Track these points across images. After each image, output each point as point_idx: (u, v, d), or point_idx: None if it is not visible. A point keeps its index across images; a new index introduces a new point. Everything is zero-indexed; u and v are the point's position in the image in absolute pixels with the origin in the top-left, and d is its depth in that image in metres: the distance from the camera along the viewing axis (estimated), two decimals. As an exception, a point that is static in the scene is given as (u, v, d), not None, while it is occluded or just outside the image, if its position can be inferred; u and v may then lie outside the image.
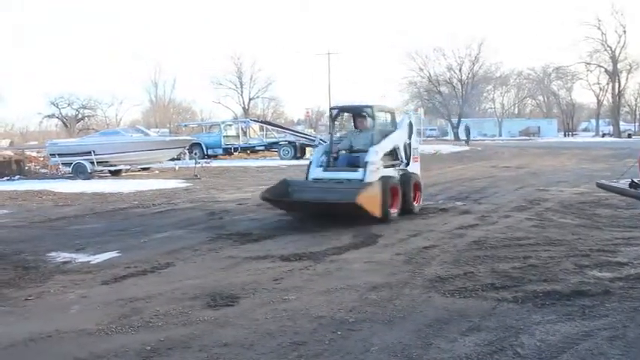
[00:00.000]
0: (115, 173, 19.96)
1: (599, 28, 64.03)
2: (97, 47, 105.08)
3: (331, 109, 10.99)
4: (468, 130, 47.11)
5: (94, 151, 18.92)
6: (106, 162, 19.38)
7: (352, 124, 10.32)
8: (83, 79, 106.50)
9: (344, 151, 9.69)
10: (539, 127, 73.20)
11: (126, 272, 5.93)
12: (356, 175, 9.01)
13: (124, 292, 5.22)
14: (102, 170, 19.60)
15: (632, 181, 5.46)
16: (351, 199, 8.13)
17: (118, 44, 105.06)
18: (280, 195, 9.26)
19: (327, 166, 9.45)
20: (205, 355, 3.72)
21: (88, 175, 18.53)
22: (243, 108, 69.49)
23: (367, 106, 10.07)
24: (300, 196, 9.14)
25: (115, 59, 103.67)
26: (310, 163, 9.65)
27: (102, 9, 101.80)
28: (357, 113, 10.05)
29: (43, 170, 21.87)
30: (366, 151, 9.14)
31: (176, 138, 24.61)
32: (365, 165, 8.96)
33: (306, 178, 9.51)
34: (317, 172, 9.41)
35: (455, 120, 63.80)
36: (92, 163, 18.82)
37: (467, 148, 38.17)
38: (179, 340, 3.99)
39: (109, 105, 65.80)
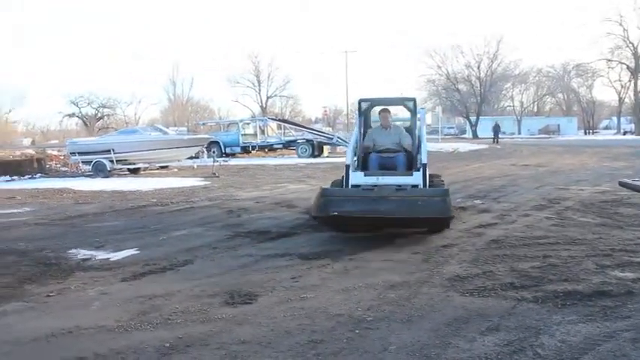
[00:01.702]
0: (134, 171, 20.14)
1: (620, 24, 63.20)
2: (118, 46, 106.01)
3: (360, 101, 9.00)
4: (497, 129, 45.42)
5: (113, 150, 19.12)
6: (125, 160, 19.55)
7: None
8: (103, 79, 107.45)
9: (372, 152, 8.29)
10: (558, 125, 72.44)
11: (145, 270, 5.97)
12: (411, 180, 7.64)
13: (143, 289, 5.26)
14: (121, 168, 19.79)
15: (656, 179, 5.36)
16: (442, 213, 6.79)
17: (137, 43, 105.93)
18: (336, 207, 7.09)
19: (362, 169, 8.12)
20: (223, 353, 3.73)
21: (108, 174, 18.73)
22: (261, 106, 69.77)
23: (409, 99, 8.95)
24: (359, 209, 7.01)
25: (135, 58, 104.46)
26: (347, 166, 7.86)
27: (121, 8, 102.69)
28: (391, 106, 8.85)
29: (64, 168, 22.12)
30: (396, 151, 8.20)
31: (194, 136, 24.76)
32: (423, 168, 7.66)
33: (345, 183, 7.77)
34: (357, 178, 7.78)
35: (473, 118, 63.40)
36: (111, 161, 19.01)
37: (497, 146, 37.68)
38: (197, 337, 4.01)
39: (128, 104, 66.56)
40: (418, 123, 8.54)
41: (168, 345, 3.87)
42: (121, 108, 66.36)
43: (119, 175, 19.38)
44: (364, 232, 7.48)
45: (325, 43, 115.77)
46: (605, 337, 3.84)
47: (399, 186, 7.48)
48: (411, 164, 8.10)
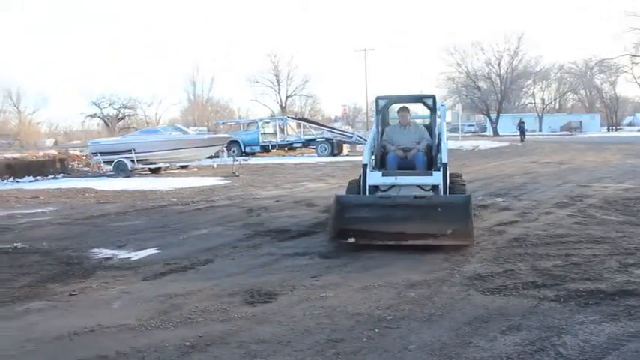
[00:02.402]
0: (155, 171, 20.31)
1: (644, 19, 62.16)
2: (139, 47, 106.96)
3: (378, 98, 8.56)
4: (522, 126, 43.78)
5: (134, 150, 19.30)
6: (146, 160, 19.74)
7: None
8: (124, 79, 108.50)
9: (391, 152, 8.08)
10: (581, 122, 71.51)
11: (165, 269, 6.01)
12: (431, 180, 7.45)
13: (164, 288, 5.29)
14: (142, 168, 19.97)
15: (680, 176, 5.27)
16: (464, 235, 6.40)
17: (158, 44, 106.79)
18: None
19: (381, 168, 7.93)
20: (243, 351, 3.74)
21: (129, 173, 18.92)
22: (281, 105, 69.85)
23: (428, 96, 8.60)
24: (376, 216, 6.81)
25: (155, 59, 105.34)
26: (364, 166, 7.59)
27: (142, 9, 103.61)
28: (411, 103, 8.67)
29: (86, 169, 22.40)
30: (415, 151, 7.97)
31: (214, 136, 24.88)
32: (443, 167, 7.42)
33: (362, 183, 7.53)
34: (375, 178, 7.56)
35: (493, 115, 62.85)
36: (132, 161, 19.20)
37: (519, 144, 37.24)
38: (217, 335, 4.02)
39: (148, 104, 66.98)
40: (438, 120, 8.40)
41: (188, 344, 3.89)
42: (141, 108, 66.87)
43: (140, 175, 19.56)
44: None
45: (344, 42, 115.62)
46: (629, 337, 3.78)
47: (419, 186, 7.44)
48: (431, 163, 7.98)
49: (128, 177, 18.60)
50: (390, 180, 7.55)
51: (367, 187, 7.49)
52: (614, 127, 72.83)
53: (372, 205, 6.97)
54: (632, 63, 66.07)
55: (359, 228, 6.68)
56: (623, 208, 9.07)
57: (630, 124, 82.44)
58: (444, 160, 7.52)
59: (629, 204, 9.51)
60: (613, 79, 72.55)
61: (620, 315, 4.20)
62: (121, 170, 19.09)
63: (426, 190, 7.58)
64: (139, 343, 3.91)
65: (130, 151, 19.38)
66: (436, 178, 7.42)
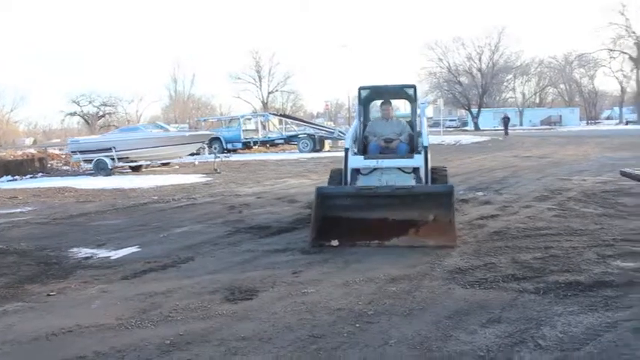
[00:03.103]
0: (136, 169, 20.19)
1: (622, 14, 63.09)
2: (118, 44, 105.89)
3: (360, 88, 8.58)
4: (507, 120, 43.89)
5: (114, 148, 19.17)
6: (127, 158, 19.61)
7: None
8: (104, 77, 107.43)
9: (373, 142, 8.16)
10: (560, 116, 72.27)
11: (146, 267, 5.96)
12: (412, 162, 7.54)
13: (144, 286, 5.25)
14: (122, 166, 19.84)
15: (657, 168, 5.34)
16: (445, 211, 6.40)
17: (138, 41, 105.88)
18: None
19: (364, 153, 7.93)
20: (224, 349, 3.72)
21: (109, 172, 18.78)
22: (263, 102, 69.75)
23: (409, 86, 8.59)
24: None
25: (135, 56, 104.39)
26: (346, 150, 7.74)
27: (121, 5, 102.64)
28: (392, 95, 8.68)
29: (65, 167, 22.19)
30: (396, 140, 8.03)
31: (195, 133, 24.78)
32: (424, 150, 7.48)
33: (345, 167, 7.63)
34: (357, 161, 7.68)
35: (475, 110, 63.24)
36: (113, 159, 19.08)
37: (500, 138, 37.40)
38: (198, 333, 4.00)
39: (129, 102, 66.59)
40: (418, 111, 8.50)
41: (168, 342, 3.85)
42: (122, 106, 66.44)
43: (120, 173, 19.41)
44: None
45: (326, 37, 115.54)
46: (606, 328, 3.82)
47: (400, 169, 7.55)
48: (412, 148, 8.06)
49: (108, 175, 18.45)
50: (371, 162, 7.62)
51: (349, 171, 7.54)
52: (593, 121, 73.66)
53: (354, 196, 6.96)
54: (611, 57, 67.16)
55: (340, 215, 6.69)
56: (602, 201, 9.17)
57: (609, 118, 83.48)
58: (425, 143, 7.58)
59: (607, 196, 9.61)
60: (592, 74, 73.63)
61: (598, 306, 4.24)
62: (101, 169, 18.94)
63: (407, 173, 7.67)
64: (118, 343, 3.87)
65: (110, 149, 19.25)
66: (417, 160, 7.52)
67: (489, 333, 3.81)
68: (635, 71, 66.47)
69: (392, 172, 7.67)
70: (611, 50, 66.41)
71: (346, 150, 7.74)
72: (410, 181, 7.62)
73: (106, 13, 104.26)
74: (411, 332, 3.87)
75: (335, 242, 6.52)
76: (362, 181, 7.72)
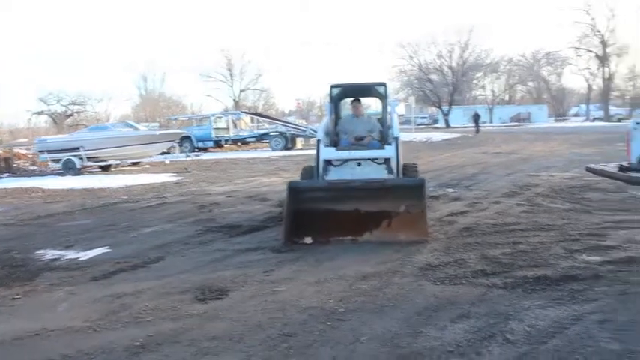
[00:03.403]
0: (105, 169, 19.92)
1: (587, 13, 64.26)
2: (87, 42, 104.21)
3: (332, 86, 8.65)
4: (477, 117, 42.76)
5: (83, 147, 18.90)
6: (96, 157, 19.35)
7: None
8: (72, 76, 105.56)
9: (345, 139, 8.15)
10: (529, 113, 73.30)
11: (115, 268, 5.88)
12: (383, 153, 7.59)
13: (113, 287, 5.18)
14: (91, 166, 19.56)
15: (621, 165, 5.45)
16: (418, 203, 6.46)
17: (107, 38, 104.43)
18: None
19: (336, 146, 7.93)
20: (194, 349, 3.70)
21: (78, 171, 18.49)
22: (234, 100, 69.28)
23: (379, 83, 8.69)
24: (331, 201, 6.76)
25: (105, 54, 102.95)
26: (318, 141, 7.80)
27: (89, 2, 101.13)
28: (363, 93, 8.78)
29: (33, 167, 21.75)
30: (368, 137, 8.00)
31: (166, 132, 24.51)
32: (395, 141, 7.54)
33: (317, 159, 7.66)
34: (329, 153, 7.71)
35: (445, 108, 63.78)
36: (81, 159, 18.80)
37: (470, 135, 37.65)
38: (168, 334, 3.96)
39: (98, 100, 65.41)
40: (389, 108, 8.57)
41: (138, 343, 3.81)
42: (91, 105, 65.15)
43: (90, 173, 19.13)
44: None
45: (298, 35, 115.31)
46: (572, 320, 3.89)
47: (371, 160, 7.60)
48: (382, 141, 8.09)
49: (77, 175, 18.16)
50: (343, 154, 7.66)
51: (321, 162, 7.57)
52: (560, 118, 74.92)
53: (326, 189, 6.98)
54: (577, 55, 68.34)
55: (312, 210, 6.67)
56: (569, 196, 9.33)
57: (576, 115, 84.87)
58: (396, 134, 7.64)
59: (574, 192, 9.78)
60: (559, 71, 74.88)
61: (565, 299, 4.32)
62: (69, 168, 18.64)
63: (379, 164, 7.71)
64: (86, 346, 3.81)
65: (79, 148, 18.96)
66: (389, 151, 7.58)
67: (459, 328, 3.85)
68: (600, 69, 67.81)
69: (365, 166, 7.70)
70: (577, 49, 67.62)
71: (318, 142, 7.79)
72: (382, 174, 7.64)
73: (76, 11, 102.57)
74: (381, 329, 3.89)
75: (308, 240, 6.53)
76: (335, 175, 7.72)
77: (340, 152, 7.74)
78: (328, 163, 7.75)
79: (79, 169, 18.64)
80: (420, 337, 3.73)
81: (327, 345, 3.67)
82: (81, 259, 6.45)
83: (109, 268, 5.87)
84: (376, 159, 7.76)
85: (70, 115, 62.70)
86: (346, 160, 7.78)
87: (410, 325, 3.94)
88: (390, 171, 7.66)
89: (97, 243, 7.23)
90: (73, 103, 63.19)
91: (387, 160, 7.69)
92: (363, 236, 6.51)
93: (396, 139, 7.60)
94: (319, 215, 6.67)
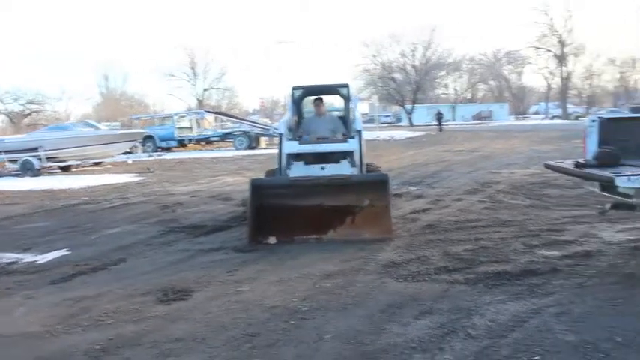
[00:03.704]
0: (65, 169, 19.52)
1: (546, 14, 65.73)
2: (46, 39, 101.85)
3: (293, 88, 8.65)
4: (440, 116, 42.56)
5: (42, 147, 18.48)
6: (56, 158, 18.93)
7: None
8: (30, 74, 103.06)
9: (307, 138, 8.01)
10: (491, 111, 74.49)
11: (75, 270, 5.77)
12: (346, 146, 7.55)
13: (73, 291, 5.08)
14: (51, 167, 19.12)
15: (577, 161, 5.57)
16: (381, 198, 6.53)
17: (67, 35, 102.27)
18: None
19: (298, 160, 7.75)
20: (157, 351, 3.65)
21: (37, 172, 18.04)
22: (197, 99, 68.61)
23: (342, 85, 8.71)
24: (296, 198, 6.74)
25: (64, 52, 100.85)
26: (280, 136, 7.74)
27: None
28: (326, 94, 8.70)
29: (-12, 169, 21.16)
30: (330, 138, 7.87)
31: (128, 131, 24.16)
32: (358, 135, 7.54)
33: (279, 152, 7.61)
34: (293, 146, 7.63)
35: (409, 106, 64.32)
36: (40, 159, 18.35)
37: (432, 133, 37.93)
38: (129, 337, 3.91)
39: (57, 99, 64.22)
40: (352, 107, 8.53)
41: (98, 347, 3.75)
42: (50, 104, 63.89)
43: (49, 174, 18.68)
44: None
45: (261, 34, 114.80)
46: (531, 314, 3.97)
47: (333, 153, 7.55)
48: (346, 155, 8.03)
49: (36, 176, 17.73)
50: (306, 147, 7.63)
51: (284, 156, 7.50)
52: (521, 116, 76.36)
53: (288, 186, 6.91)
54: (537, 55, 69.81)
55: (275, 207, 6.62)
56: (529, 193, 9.52)
57: (536, 113, 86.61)
58: (358, 127, 7.65)
59: (534, 188, 9.98)
60: (520, 70, 76.36)
61: (524, 293, 4.41)
62: (27, 169, 18.17)
63: (343, 159, 7.63)
64: (44, 351, 3.74)
65: (38, 148, 18.52)
66: (352, 144, 7.55)
67: (422, 324, 3.89)
68: (559, 68, 69.37)
69: (329, 169, 7.54)
70: (536, 48, 69.10)
71: (280, 136, 7.72)
72: (346, 170, 7.59)
73: (34, 7, 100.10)
74: (345, 327, 3.90)
75: (272, 240, 6.51)
76: (298, 172, 7.60)
77: (303, 146, 7.69)
78: (293, 158, 7.65)
79: (38, 169, 18.19)
80: (383, 334, 3.76)
81: (291, 344, 3.67)
82: (39, 262, 6.30)
83: (68, 271, 5.75)
84: (340, 161, 7.70)
85: (28, 115, 61.32)
86: (309, 163, 7.70)
87: (373, 323, 3.96)
88: (353, 164, 7.66)
89: (56, 245, 7.08)
90: (31, 102, 61.80)
91: (349, 154, 7.66)
92: (328, 235, 6.53)
93: (359, 132, 7.60)
94: (283, 212, 6.62)
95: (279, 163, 7.61)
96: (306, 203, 6.65)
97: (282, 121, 8.25)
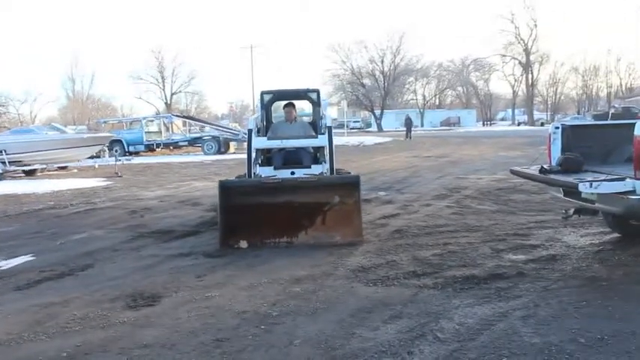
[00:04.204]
0: (30, 173, 19.11)
1: (512, 22, 67.06)
2: (8, 38, 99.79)
3: (263, 93, 8.64)
4: (409, 122, 40.47)
5: (5, 151, 18.08)
6: (19, 162, 18.53)
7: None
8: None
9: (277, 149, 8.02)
10: (459, 118, 75.61)
11: (40, 276, 5.66)
12: (316, 142, 7.67)
13: (39, 297, 4.98)
14: (15, 170, 18.71)
15: (542, 167, 5.70)
16: (352, 198, 6.55)
17: (30, 35, 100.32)
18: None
19: (267, 164, 7.86)
20: (125, 358, 3.61)
21: (0, 176, 17.65)
22: (166, 103, 68.07)
23: (312, 90, 8.71)
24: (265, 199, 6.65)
25: (28, 53, 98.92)
26: (249, 131, 7.64)
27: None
28: (295, 99, 8.67)
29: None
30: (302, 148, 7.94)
31: (95, 135, 23.77)
32: (328, 130, 7.50)
33: (248, 147, 7.55)
34: (261, 142, 7.71)
35: (378, 112, 64.76)
36: (3, 163, 17.96)
37: (401, 139, 38.12)
38: (97, 344, 3.85)
39: (21, 102, 62.93)
40: (322, 112, 8.55)
41: (65, 354, 3.69)
42: (14, 106, 62.57)
43: (13, 178, 18.30)
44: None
45: (230, 38, 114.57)
46: (498, 317, 4.04)
47: (302, 157, 7.76)
48: (316, 158, 8.09)
49: (-1, 180, 17.37)
50: (275, 143, 7.66)
51: (253, 152, 7.46)
52: (488, 122, 77.57)
53: (257, 187, 6.84)
54: (503, 62, 71.12)
55: (245, 209, 6.53)
56: (496, 198, 9.69)
57: (503, 119, 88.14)
58: (328, 123, 7.68)
59: (500, 194, 10.16)
60: (487, 77, 77.65)
61: (492, 297, 4.49)
62: (-10, 173, 17.79)
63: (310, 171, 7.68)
64: (9, 359, 3.66)
65: (1, 152, 18.12)
66: (321, 140, 7.60)
67: (391, 329, 3.93)
68: (524, 76, 70.72)
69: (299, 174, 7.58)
70: (503, 56, 70.41)
71: (249, 131, 7.63)
72: (317, 170, 7.63)
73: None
74: (315, 332, 3.91)
75: (244, 244, 6.49)
76: (267, 172, 7.62)
77: (271, 141, 7.70)
78: (262, 163, 7.67)
79: (1, 173, 17.81)
80: (353, 338, 3.79)
81: (261, 349, 3.67)
82: (2, 268, 6.16)
83: (33, 277, 5.64)
84: (311, 166, 7.78)
85: (-10, 117, 59.92)
86: (279, 168, 7.73)
87: (343, 327, 3.98)
88: (323, 159, 7.70)
89: (20, 251, 6.94)
90: (-6, 104, 60.44)
91: (319, 149, 7.76)
92: (299, 237, 6.54)
93: (329, 128, 7.60)
94: (253, 215, 6.54)
95: (248, 160, 7.50)
96: (276, 203, 6.60)
97: (252, 118, 8.20)
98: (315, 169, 7.69)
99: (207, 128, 32.14)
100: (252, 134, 7.58)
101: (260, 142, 7.68)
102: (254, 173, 7.40)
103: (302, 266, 5.61)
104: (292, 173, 7.56)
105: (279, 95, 8.76)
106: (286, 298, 4.67)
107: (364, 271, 5.39)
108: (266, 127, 8.50)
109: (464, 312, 4.19)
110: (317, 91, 8.73)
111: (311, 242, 6.48)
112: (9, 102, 61.30)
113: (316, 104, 8.69)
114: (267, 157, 8.14)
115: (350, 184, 6.71)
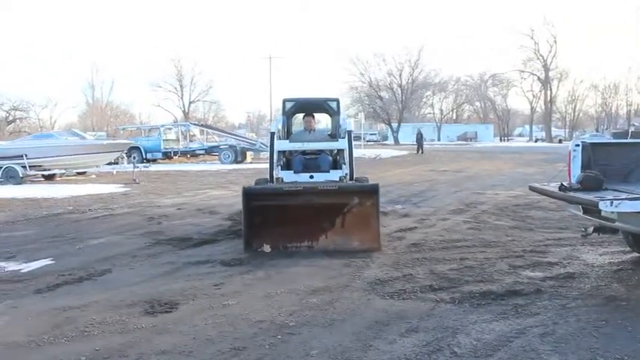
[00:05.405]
0: (49, 178, 19.33)
1: (532, 38, 66.89)
2: (33, 46, 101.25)
3: (285, 100, 8.88)
4: (420, 137, 39.37)
5: (26, 155, 18.31)
6: (39, 166, 18.76)
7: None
8: (15, 80, 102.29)
9: (296, 154, 8.25)
10: (476, 132, 75.35)
11: (60, 280, 5.72)
12: (336, 145, 7.95)
13: (58, 300, 5.04)
14: (35, 175, 18.94)
15: (562, 184, 5.66)
16: (372, 208, 6.75)
17: (54, 43, 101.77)
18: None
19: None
20: (142, 364, 3.64)
21: (20, 180, 17.85)
22: (184, 111, 68.52)
23: (332, 99, 8.92)
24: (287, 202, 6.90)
25: (51, 60, 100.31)
26: (272, 133, 7.85)
27: (36, 4, 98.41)
28: (312, 109, 8.81)
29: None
30: (320, 152, 8.17)
31: (114, 141, 24.05)
32: (348, 134, 7.73)
33: (270, 150, 7.74)
34: (283, 144, 7.97)
35: (395, 125, 64.76)
36: (24, 167, 18.19)
37: (414, 153, 37.96)
38: (115, 348, 3.89)
39: (42, 107, 63.73)
40: (341, 122, 8.66)
41: (84, 358, 3.73)
42: (35, 111, 63.47)
43: (33, 182, 18.51)
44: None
45: (249, 48, 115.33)
46: (516, 334, 4.02)
47: (322, 162, 7.98)
48: (335, 165, 8.20)
49: (19, 184, 17.55)
50: (297, 145, 7.92)
51: (275, 154, 7.73)
52: (505, 138, 77.22)
53: (280, 193, 7.03)
54: (522, 78, 70.88)
55: (267, 211, 6.78)
56: (513, 214, 9.63)
57: (520, 135, 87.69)
58: (348, 128, 7.87)
59: (518, 210, 10.10)
60: (505, 93, 77.43)
61: (509, 314, 4.46)
62: (10, 177, 17.99)
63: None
64: (29, 361, 3.71)
65: (22, 156, 18.35)
66: (341, 143, 7.89)
67: (408, 342, 3.92)
68: (542, 92, 70.39)
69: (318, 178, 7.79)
70: (521, 71, 70.19)
71: (272, 134, 7.85)
72: (335, 178, 7.78)
73: (20, 13, 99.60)
74: (332, 343, 3.92)
75: (267, 248, 6.66)
76: (287, 180, 7.78)
77: (294, 143, 7.97)
78: (282, 166, 7.89)
79: (22, 177, 18.02)
80: (369, 351, 3.79)
81: (278, 359, 3.68)
82: (23, 271, 6.24)
83: (53, 281, 5.70)
84: (330, 170, 7.95)
85: (12, 122, 60.72)
86: (298, 172, 7.91)
87: (360, 340, 3.98)
88: (343, 161, 7.87)
89: (40, 254, 7.02)
90: (15, 109, 61.24)
91: (338, 154, 7.96)
92: (319, 242, 6.74)
93: (349, 132, 7.80)
94: (275, 219, 6.78)
95: (270, 164, 7.74)
96: (297, 208, 6.80)
97: (275, 121, 8.46)
98: (334, 174, 7.87)
99: (224, 137, 32.29)
100: (275, 137, 7.81)
101: (282, 145, 7.94)
102: (275, 176, 7.64)
103: (319, 277, 5.62)
104: (311, 177, 7.74)
105: (300, 103, 8.94)
106: (303, 308, 4.68)
107: (381, 283, 5.39)
108: (287, 136, 8.64)
109: (481, 327, 4.18)
110: (337, 100, 8.94)
111: (330, 247, 6.64)
112: (30, 107, 62.24)
113: (336, 113, 8.81)
114: (287, 160, 8.30)
115: (369, 192, 6.87)
